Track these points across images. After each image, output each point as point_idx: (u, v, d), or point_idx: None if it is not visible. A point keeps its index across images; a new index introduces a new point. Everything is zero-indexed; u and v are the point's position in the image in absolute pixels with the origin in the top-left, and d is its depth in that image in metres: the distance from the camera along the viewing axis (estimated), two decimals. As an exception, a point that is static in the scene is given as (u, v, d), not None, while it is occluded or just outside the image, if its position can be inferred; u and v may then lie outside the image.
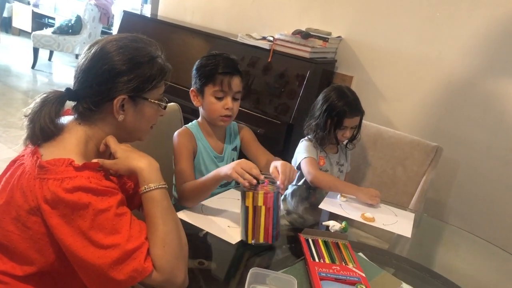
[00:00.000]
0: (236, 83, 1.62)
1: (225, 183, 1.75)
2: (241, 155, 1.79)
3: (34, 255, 0.99)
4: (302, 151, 1.97)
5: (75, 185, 0.93)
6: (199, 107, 1.70)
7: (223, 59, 1.62)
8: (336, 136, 1.98)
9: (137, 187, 1.27)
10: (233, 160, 1.76)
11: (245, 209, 1.27)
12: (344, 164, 2.13)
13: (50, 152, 1.00)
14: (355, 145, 2.13)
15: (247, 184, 1.26)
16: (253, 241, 1.28)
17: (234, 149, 1.79)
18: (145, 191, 1.02)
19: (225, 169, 1.35)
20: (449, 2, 2.48)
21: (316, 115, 2.01)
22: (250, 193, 1.25)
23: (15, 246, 0.99)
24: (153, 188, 1.02)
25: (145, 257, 0.95)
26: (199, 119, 1.72)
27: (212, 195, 1.59)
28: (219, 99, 1.61)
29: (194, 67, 1.66)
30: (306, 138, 2.05)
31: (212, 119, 1.65)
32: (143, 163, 1.04)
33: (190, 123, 1.71)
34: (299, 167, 1.95)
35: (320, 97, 2.03)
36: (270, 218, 1.27)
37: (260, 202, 1.25)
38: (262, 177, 1.29)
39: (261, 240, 1.28)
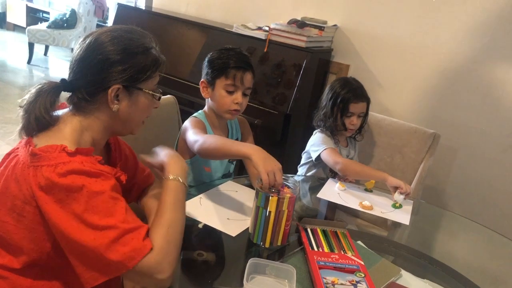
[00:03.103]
0: (248, 79, 1.63)
1: (226, 174, 1.75)
2: None
3: (29, 245, 0.99)
4: (319, 142, 1.98)
5: (69, 169, 0.93)
6: (207, 99, 1.70)
7: (237, 53, 1.63)
8: (344, 123, 2.00)
9: (134, 180, 1.28)
10: None
11: (266, 213, 1.23)
12: (354, 158, 2.14)
13: (44, 141, 1.00)
14: (363, 136, 2.15)
15: (267, 188, 1.21)
16: (270, 245, 1.27)
17: (236, 140, 1.79)
18: (164, 178, 1.09)
19: (255, 157, 1.25)
20: (445, -12, 2.47)
21: (323, 105, 2.05)
22: (275, 198, 1.21)
23: (10, 237, 1.00)
24: (172, 178, 1.08)
25: (144, 237, 0.95)
26: (206, 109, 1.72)
27: (210, 186, 1.60)
28: (230, 93, 1.61)
29: (206, 59, 1.67)
30: (319, 130, 2.06)
31: (220, 112, 1.65)
32: (171, 158, 1.14)
33: (197, 113, 1.70)
34: (317, 159, 1.97)
35: (326, 89, 2.07)
36: (289, 221, 1.26)
37: (285, 206, 1.22)
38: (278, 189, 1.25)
39: (279, 243, 1.27)
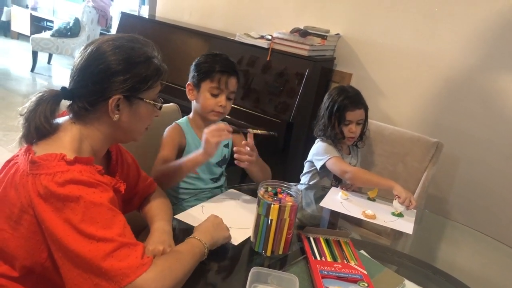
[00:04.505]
0: (233, 83, 1.68)
1: (215, 178, 1.78)
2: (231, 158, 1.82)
3: (24, 255, 0.98)
4: (323, 152, 1.97)
5: (66, 179, 0.92)
6: (192, 101, 1.74)
7: (223, 59, 1.69)
8: (343, 132, 1.98)
9: (136, 188, 1.28)
10: (224, 156, 1.81)
11: (268, 221, 1.22)
12: (357, 165, 2.13)
13: (43, 149, 0.99)
14: (365, 142, 2.14)
15: (230, 135, 1.44)
16: (272, 254, 1.26)
17: (226, 145, 1.82)
18: (192, 237, 1.14)
19: (203, 154, 1.46)
20: (447, -3, 2.48)
21: (321, 114, 2.04)
22: (276, 206, 1.20)
23: (6, 245, 0.99)
24: (197, 238, 1.13)
25: (142, 254, 0.94)
26: (190, 114, 1.76)
27: (203, 193, 1.61)
28: (214, 95, 1.66)
29: (193, 63, 1.71)
30: (320, 139, 2.05)
31: (204, 113, 1.70)
32: (205, 224, 1.23)
33: (180, 119, 1.74)
34: (322, 168, 1.96)
35: (325, 98, 2.07)
36: (291, 229, 1.25)
37: (286, 215, 1.22)
38: (230, 128, 1.44)
39: (281, 252, 1.27)
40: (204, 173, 1.74)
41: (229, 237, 1.25)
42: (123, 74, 1.04)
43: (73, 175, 0.93)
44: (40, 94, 1.04)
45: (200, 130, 1.70)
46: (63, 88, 1.07)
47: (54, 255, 0.95)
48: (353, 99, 1.98)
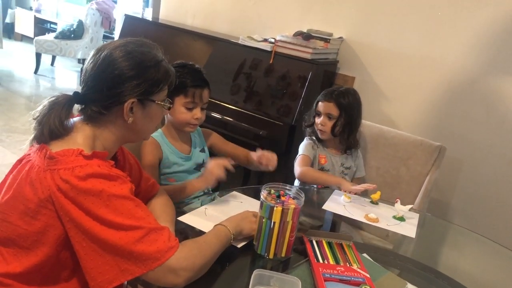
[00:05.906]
0: (206, 95, 1.68)
1: (197, 166, 1.79)
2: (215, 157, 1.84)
3: (41, 248, 1.00)
4: (300, 149, 2.06)
5: (87, 173, 0.96)
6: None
7: (192, 71, 1.66)
8: (314, 122, 2.07)
9: (139, 189, 1.29)
10: (203, 161, 1.80)
11: (270, 224, 1.23)
12: (351, 168, 2.13)
13: (59, 147, 1.02)
14: (350, 144, 2.12)
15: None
16: (274, 256, 1.26)
17: (202, 150, 1.82)
18: (218, 224, 1.22)
19: (201, 182, 1.57)
20: (450, 2, 2.48)
21: None
22: (279, 209, 1.21)
23: (23, 240, 1.00)
24: (222, 225, 1.21)
25: (168, 237, 1.00)
26: (164, 125, 1.75)
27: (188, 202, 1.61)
28: (189, 109, 1.65)
29: None
30: (307, 137, 2.13)
31: (179, 126, 1.70)
32: (236, 216, 1.30)
33: (155, 132, 1.72)
34: None
35: None
36: (293, 232, 1.26)
37: (289, 217, 1.22)
38: (233, 169, 1.51)
39: (283, 255, 1.27)
40: (182, 179, 1.73)
41: (255, 230, 1.28)
42: (137, 79, 1.08)
43: (94, 169, 0.97)
44: (53, 98, 1.07)
45: (175, 140, 1.74)
46: (76, 93, 1.10)
47: (76, 246, 0.97)
48: (327, 91, 2.06)
